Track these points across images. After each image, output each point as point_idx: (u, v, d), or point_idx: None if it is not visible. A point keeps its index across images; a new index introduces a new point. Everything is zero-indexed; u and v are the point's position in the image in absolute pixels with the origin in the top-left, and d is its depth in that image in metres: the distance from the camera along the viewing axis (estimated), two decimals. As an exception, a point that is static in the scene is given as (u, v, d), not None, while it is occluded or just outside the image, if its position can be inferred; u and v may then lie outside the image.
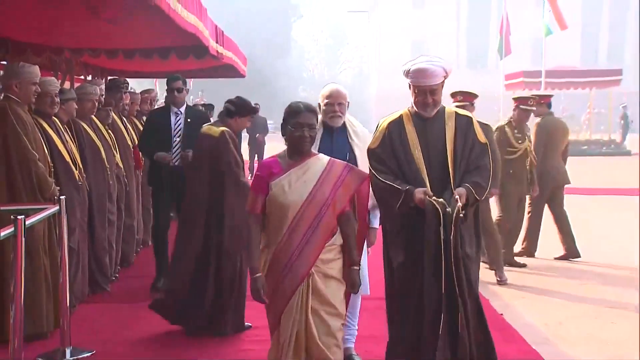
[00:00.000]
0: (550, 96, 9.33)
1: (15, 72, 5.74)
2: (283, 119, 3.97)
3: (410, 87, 4.34)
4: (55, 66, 10.61)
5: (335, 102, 4.76)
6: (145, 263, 8.34)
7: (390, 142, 4.32)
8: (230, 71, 13.84)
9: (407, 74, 4.30)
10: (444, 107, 4.40)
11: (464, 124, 4.35)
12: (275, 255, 3.86)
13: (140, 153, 8.11)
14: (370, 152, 4.41)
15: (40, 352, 5.27)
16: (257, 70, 32.67)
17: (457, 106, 7.97)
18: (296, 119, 3.88)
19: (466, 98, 7.88)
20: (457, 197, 4.07)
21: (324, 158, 4.00)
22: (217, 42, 9.95)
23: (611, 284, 7.67)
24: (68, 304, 5.37)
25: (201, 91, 31.32)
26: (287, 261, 3.82)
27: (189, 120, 7.17)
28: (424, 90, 4.26)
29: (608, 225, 11.26)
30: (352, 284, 3.97)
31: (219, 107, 17.55)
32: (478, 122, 4.52)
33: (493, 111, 25.34)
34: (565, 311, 6.56)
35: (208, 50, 9.49)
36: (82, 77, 12.14)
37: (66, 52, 10.17)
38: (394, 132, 4.34)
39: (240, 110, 6.00)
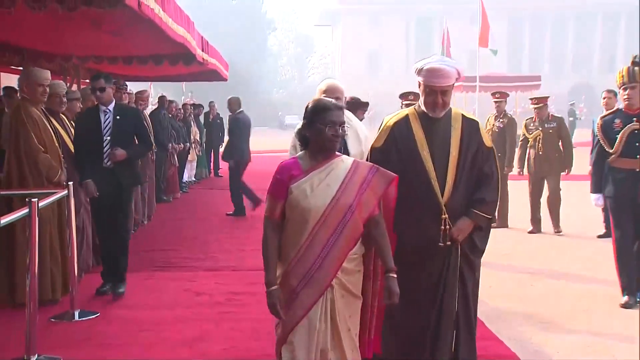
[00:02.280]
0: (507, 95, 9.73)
1: (25, 75, 5.70)
2: (308, 118, 3.11)
3: (420, 86, 3.55)
4: (64, 71, 10.49)
5: (332, 97, 4.26)
6: (141, 239, 8.32)
7: (395, 141, 3.56)
8: (214, 75, 13.82)
9: (418, 72, 3.51)
10: (451, 109, 3.62)
11: (471, 128, 3.59)
12: (293, 264, 3.02)
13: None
14: (374, 151, 3.62)
15: (53, 314, 5.22)
16: (237, 74, 32.37)
17: (406, 105, 7.80)
18: (328, 116, 3.04)
19: (416, 98, 7.86)
20: (457, 235, 3.49)
21: (348, 159, 3.16)
22: (203, 51, 9.89)
23: (532, 253, 7.80)
24: (76, 274, 5.31)
25: (191, 92, 31.00)
26: (307, 271, 2.98)
27: (117, 117, 5.91)
28: (435, 90, 3.48)
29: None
30: (389, 293, 3.05)
31: (206, 106, 17.35)
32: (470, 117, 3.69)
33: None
34: (494, 277, 6.65)
35: (195, 57, 9.43)
36: (88, 80, 11.96)
37: (74, 59, 10.07)
38: (400, 131, 3.57)
39: (350, 107, 5.57)
